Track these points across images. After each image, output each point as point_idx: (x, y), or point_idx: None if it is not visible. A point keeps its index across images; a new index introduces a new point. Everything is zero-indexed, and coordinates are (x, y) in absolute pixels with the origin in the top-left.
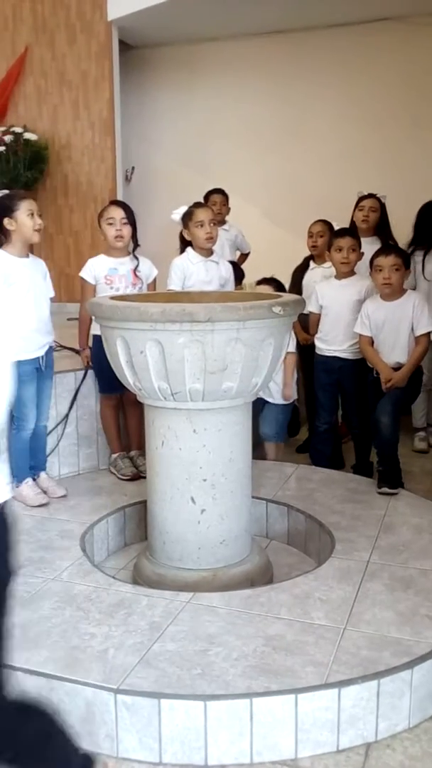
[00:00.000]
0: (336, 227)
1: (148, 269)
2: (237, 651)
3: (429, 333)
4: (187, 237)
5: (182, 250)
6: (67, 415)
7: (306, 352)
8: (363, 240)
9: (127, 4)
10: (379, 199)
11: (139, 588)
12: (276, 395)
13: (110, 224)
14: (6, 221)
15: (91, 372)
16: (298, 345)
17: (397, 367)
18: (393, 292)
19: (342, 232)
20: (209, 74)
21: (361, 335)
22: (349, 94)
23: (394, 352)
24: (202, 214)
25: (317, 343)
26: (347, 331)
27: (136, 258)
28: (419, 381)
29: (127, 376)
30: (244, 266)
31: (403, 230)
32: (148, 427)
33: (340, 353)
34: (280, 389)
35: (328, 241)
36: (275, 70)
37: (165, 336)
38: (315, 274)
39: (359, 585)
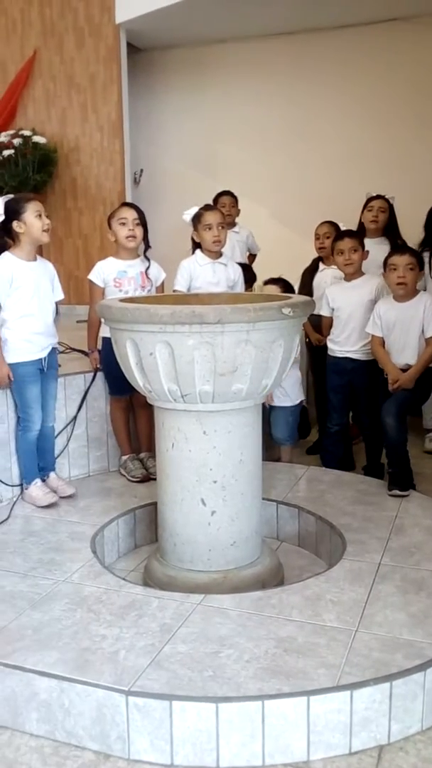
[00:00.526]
0: (342, 228)
1: (156, 272)
2: (248, 653)
3: None
4: (195, 239)
5: (194, 252)
6: (75, 417)
7: (317, 353)
8: (372, 241)
9: (134, 7)
10: (387, 200)
11: (149, 590)
12: (282, 397)
13: (122, 224)
14: (15, 224)
15: (100, 374)
16: (310, 346)
17: (407, 369)
18: (407, 292)
19: (340, 235)
20: (217, 76)
21: (372, 336)
22: (356, 95)
23: (404, 353)
24: (211, 217)
25: (329, 345)
26: (360, 332)
27: (148, 259)
28: (430, 382)
29: (136, 378)
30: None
31: (409, 230)
32: (157, 429)
33: (353, 354)
34: (285, 391)
35: (331, 246)
36: (282, 71)
37: (175, 338)
38: (325, 275)
39: (371, 587)
